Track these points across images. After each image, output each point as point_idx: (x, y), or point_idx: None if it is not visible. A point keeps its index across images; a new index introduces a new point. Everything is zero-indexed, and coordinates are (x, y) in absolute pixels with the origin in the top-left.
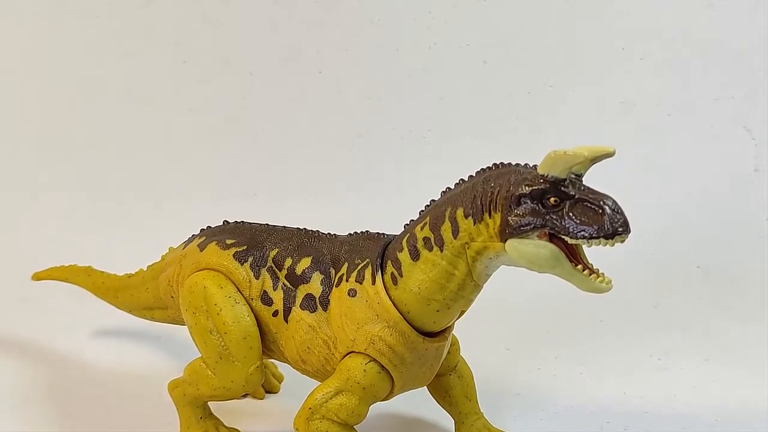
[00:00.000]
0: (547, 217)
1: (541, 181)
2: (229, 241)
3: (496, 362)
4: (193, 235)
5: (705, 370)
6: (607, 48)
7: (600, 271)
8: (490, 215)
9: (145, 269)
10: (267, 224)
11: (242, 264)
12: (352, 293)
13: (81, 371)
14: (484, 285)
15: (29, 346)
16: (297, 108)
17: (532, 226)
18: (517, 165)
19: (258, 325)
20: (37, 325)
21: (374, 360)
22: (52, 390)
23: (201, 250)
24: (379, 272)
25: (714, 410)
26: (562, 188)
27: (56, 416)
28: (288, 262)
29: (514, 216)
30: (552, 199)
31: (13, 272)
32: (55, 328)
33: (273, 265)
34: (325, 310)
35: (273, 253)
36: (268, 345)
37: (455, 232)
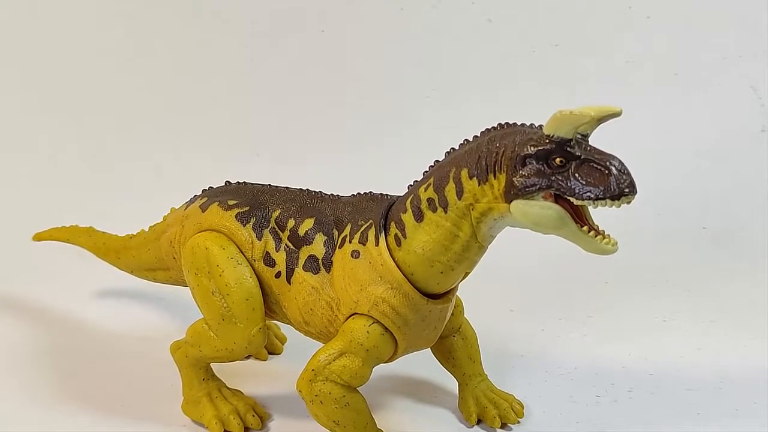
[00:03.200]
0: (553, 177)
1: (547, 141)
2: (231, 202)
3: (500, 324)
4: (195, 195)
5: (710, 332)
6: (613, 6)
7: (605, 233)
8: (494, 176)
9: (146, 230)
10: (269, 185)
11: (244, 225)
12: (355, 255)
13: (83, 332)
14: (489, 246)
15: (30, 308)
16: (299, 68)
17: (538, 186)
18: (523, 125)
19: (260, 287)
20: (38, 287)
21: (377, 322)
22: (54, 351)
23: (203, 211)
24: (383, 233)
25: (719, 372)
26: (568, 149)
27: (58, 378)
28: (291, 223)
29: (519, 177)
30: (558, 160)
31: (14, 233)
32: (57, 290)
33: (275, 226)
34: (328, 272)
35: (275, 214)
36: (270, 306)
37: (459, 193)
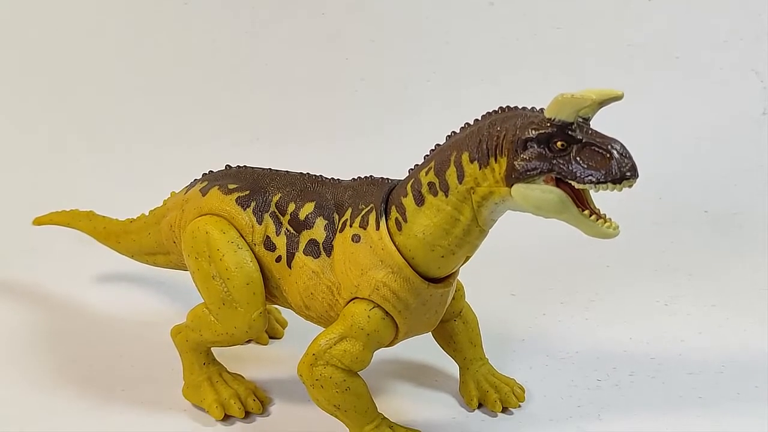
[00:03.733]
0: (554, 161)
1: (548, 124)
2: (231, 186)
3: (502, 308)
4: (195, 179)
5: (712, 316)
6: None
7: (607, 216)
8: (495, 159)
9: (147, 214)
10: (269, 169)
11: (245, 209)
12: (355, 239)
13: (83, 317)
14: (490, 230)
15: (30, 292)
16: (299, 51)
17: (539, 170)
18: (524, 108)
19: (261, 271)
20: (38, 271)
21: (378, 306)
22: (54, 336)
23: (203, 195)
24: (383, 217)
25: (721, 356)
26: (570, 132)
27: (58, 362)
28: (291, 207)
29: (521, 160)
30: (559, 143)
31: (14, 217)
32: (57, 274)
33: (276, 210)
34: (329, 256)
35: (276, 198)
36: (271, 291)
37: (460, 177)
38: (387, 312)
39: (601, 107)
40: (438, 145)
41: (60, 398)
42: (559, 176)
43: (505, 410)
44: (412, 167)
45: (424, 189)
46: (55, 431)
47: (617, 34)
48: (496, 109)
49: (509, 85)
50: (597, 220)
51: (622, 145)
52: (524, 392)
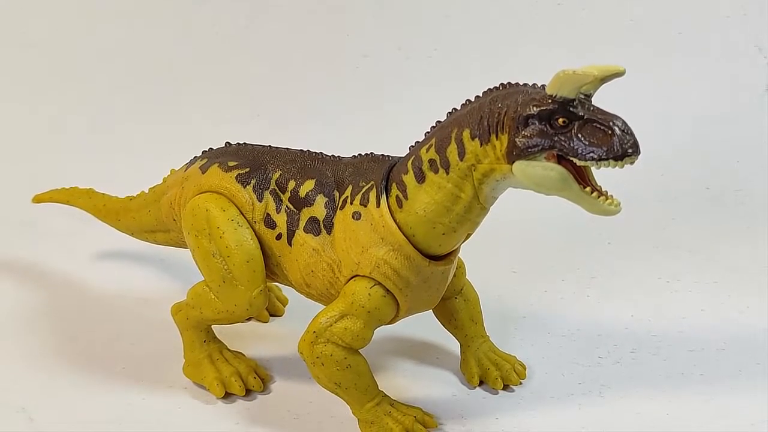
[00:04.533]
0: (556, 138)
1: (550, 101)
2: (231, 164)
3: (503, 285)
4: (195, 157)
5: (713, 293)
6: None
7: (609, 193)
8: (497, 136)
9: (146, 192)
10: (269, 146)
11: (245, 186)
12: (356, 216)
13: (83, 295)
14: (491, 207)
15: (30, 270)
16: (300, 28)
17: (540, 147)
18: (525, 85)
19: (261, 249)
20: (38, 249)
21: (379, 284)
22: (53, 314)
23: (203, 173)
24: (384, 195)
25: (722, 333)
26: (571, 109)
27: (58, 340)
28: (291, 184)
29: (522, 137)
30: (560, 120)
31: (14, 195)
32: (57, 251)
33: (276, 187)
34: (329, 234)
35: (276, 175)
36: (271, 268)
37: (461, 154)
38: (388, 290)
39: (603, 83)
40: (439, 121)
41: (60, 376)
42: (560, 153)
43: (506, 387)
44: (413, 144)
45: (425, 166)
46: (55, 409)
47: (619, 9)
48: (498, 86)
49: (510, 61)
50: (598, 197)
51: (623, 122)
52: (525, 369)
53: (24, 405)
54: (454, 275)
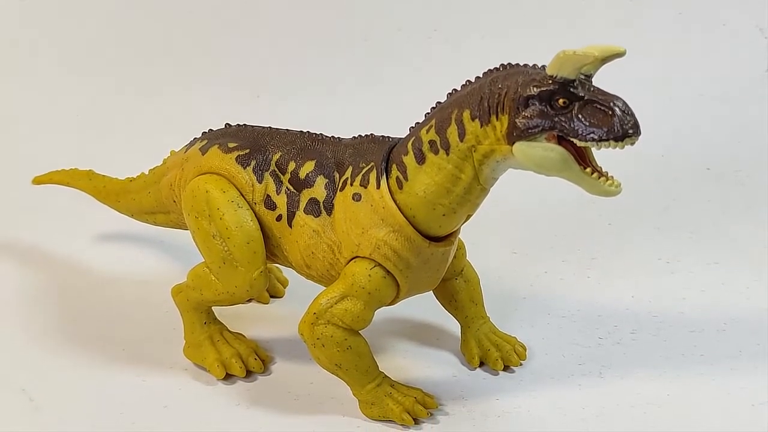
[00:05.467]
0: (556, 119)
1: (550, 82)
2: (231, 145)
3: (503, 266)
4: (195, 138)
5: (714, 274)
6: None
7: (609, 174)
8: (497, 117)
9: (146, 173)
10: (269, 127)
11: (245, 168)
12: (356, 197)
13: (83, 276)
14: (491, 189)
15: (29, 251)
16: (301, 8)
17: (541, 128)
18: (526, 65)
19: (262, 230)
20: (37, 230)
21: (379, 265)
22: (53, 295)
23: (203, 154)
24: (384, 176)
25: (723, 314)
26: (572, 89)
27: (59, 322)
28: (291, 165)
29: (522, 118)
30: (561, 101)
31: (13, 176)
32: (56, 233)
33: (276, 168)
34: (330, 215)
35: (276, 156)
36: (272, 250)
37: (461, 135)
38: (388, 271)
39: (604, 64)
40: (439, 102)
41: (60, 358)
42: (561, 134)
43: (506, 368)
44: (413, 125)
45: (425, 147)
46: (56, 390)
47: None
48: (498, 66)
49: (511, 41)
50: (599, 177)
51: (624, 102)
52: (526, 350)
53: (24, 386)
54: (455, 256)
